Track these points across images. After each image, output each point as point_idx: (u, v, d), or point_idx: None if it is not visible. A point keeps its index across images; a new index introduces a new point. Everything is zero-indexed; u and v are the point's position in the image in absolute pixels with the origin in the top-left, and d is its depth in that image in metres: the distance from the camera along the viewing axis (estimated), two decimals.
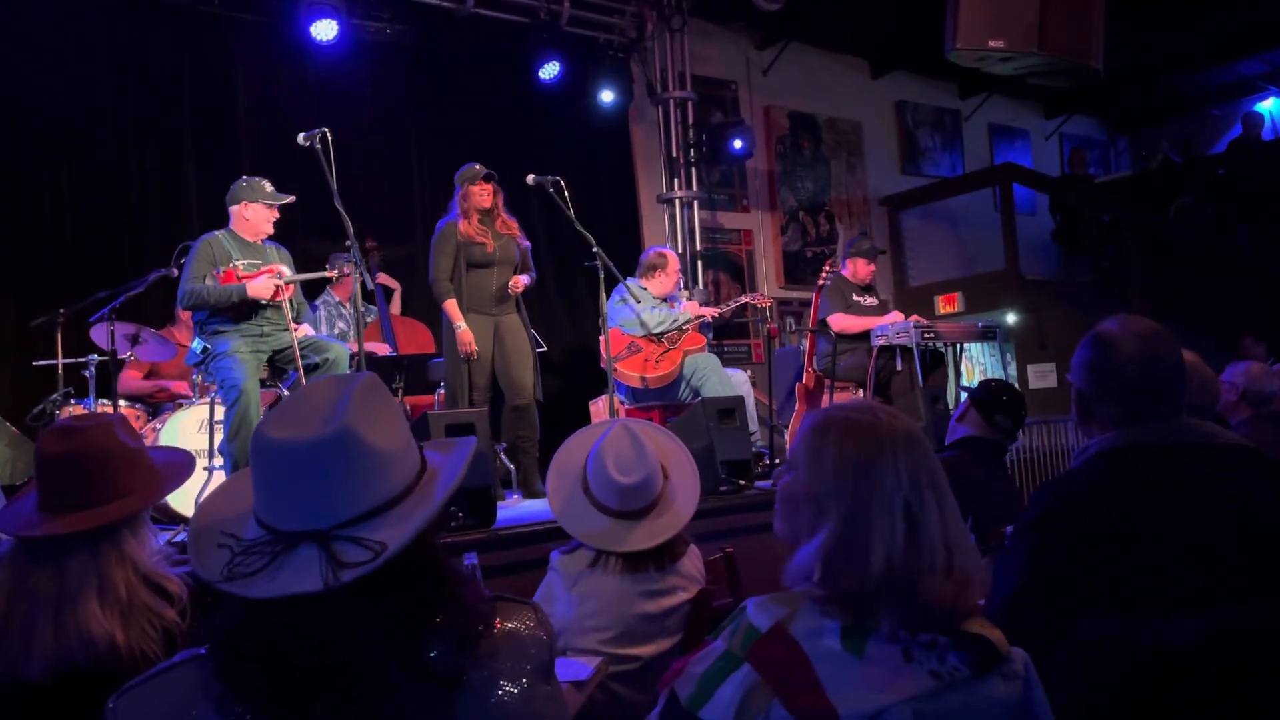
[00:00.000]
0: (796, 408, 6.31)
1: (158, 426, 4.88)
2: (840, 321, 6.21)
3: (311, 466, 1.13)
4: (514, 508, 4.69)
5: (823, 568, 1.31)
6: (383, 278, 6.21)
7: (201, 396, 4.92)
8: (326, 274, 5.17)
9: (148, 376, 5.53)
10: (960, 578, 1.32)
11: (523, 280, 5.18)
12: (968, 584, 1.33)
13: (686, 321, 5.82)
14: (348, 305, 5.99)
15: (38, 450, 1.85)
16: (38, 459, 1.84)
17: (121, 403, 4.87)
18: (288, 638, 1.11)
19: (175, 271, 4.66)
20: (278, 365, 4.57)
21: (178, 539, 3.59)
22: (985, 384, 3.72)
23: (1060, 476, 1.97)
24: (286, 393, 4.61)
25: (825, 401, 6.06)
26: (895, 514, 1.31)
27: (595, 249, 4.95)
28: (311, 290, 5.63)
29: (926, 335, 5.99)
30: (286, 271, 4.56)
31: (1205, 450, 1.83)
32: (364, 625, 1.12)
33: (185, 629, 1.80)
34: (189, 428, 4.84)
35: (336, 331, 5.90)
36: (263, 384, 4.53)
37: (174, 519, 4.59)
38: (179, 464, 2.01)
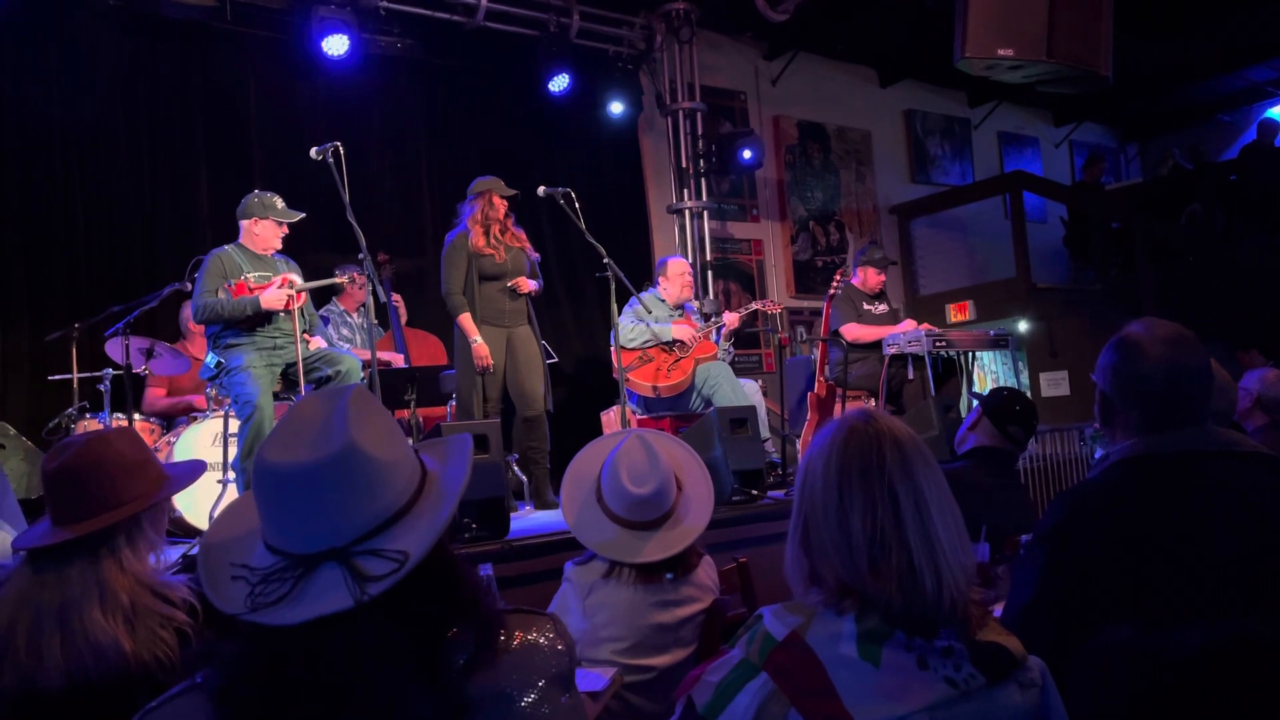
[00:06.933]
0: (809, 417, 6.30)
1: (171, 440, 4.89)
2: (853, 331, 6.21)
3: (321, 486, 1.12)
4: (526, 519, 4.69)
5: (850, 576, 1.31)
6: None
7: (216, 410, 4.94)
8: (337, 280, 5.19)
9: (170, 394, 5.55)
10: (972, 579, 1.34)
11: (530, 284, 5.19)
12: (972, 586, 1.34)
13: (666, 342, 5.78)
14: (354, 314, 6.01)
15: (41, 468, 1.91)
16: (42, 476, 1.91)
17: (137, 417, 4.89)
18: (300, 663, 1.09)
19: (189, 285, 4.68)
20: (291, 378, 4.58)
21: (193, 552, 3.60)
22: (997, 393, 3.58)
23: (1079, 484, 1.95)
24: None
25: (838, 410, 6.05)
26: (906, 515, 1.32)
27: (606, 260, 4.96)
28: (317, 301, 5.64)
29: (938, 344, 5.98)
30: (297, 280, 4.58)
31: (1225, 459, 1.79)
32: (384, 641, 1.10)
33: (199, 631, 1.81)
34: (203, 440, 4.85)
35: (341, 339, 5.92)
36: (276, 397, 4.54)
37: (189, 532, 4.61)
38: (184, 472, 2.04)
